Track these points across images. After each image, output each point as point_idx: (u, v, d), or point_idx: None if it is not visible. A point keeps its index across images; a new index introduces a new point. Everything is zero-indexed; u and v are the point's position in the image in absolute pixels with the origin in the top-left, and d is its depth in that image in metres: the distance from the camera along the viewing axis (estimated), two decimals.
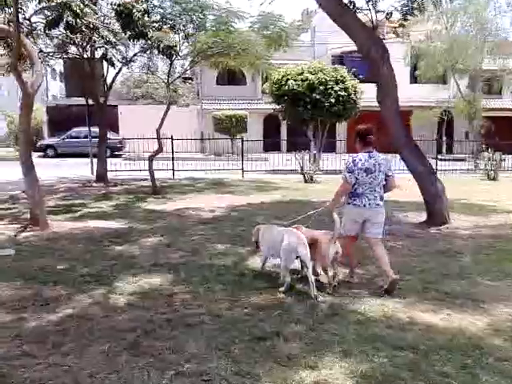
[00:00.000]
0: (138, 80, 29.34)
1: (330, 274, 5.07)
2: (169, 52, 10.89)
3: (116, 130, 28.11)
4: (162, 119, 12.21)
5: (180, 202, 11.02)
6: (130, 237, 7.42)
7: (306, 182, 14.89)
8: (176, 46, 10.87)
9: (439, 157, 23.32)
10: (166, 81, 12.70)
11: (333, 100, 17.43)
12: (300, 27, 13.54)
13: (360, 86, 18.40)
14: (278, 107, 19.05)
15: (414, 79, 30.93)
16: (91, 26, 9.94)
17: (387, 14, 7.84)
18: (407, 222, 8.82)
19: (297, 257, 4.97)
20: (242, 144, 17.17)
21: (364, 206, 5.04)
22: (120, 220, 8.73)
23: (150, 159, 12.46)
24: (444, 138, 27.73)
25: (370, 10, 7.84)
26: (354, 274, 5.46)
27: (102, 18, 10.53)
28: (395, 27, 8.16)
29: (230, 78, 32.44)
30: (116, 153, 24.95)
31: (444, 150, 27.88)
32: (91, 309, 4.45)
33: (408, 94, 29.79)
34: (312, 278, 4.80)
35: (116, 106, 29.24)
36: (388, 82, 7.99)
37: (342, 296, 4.84)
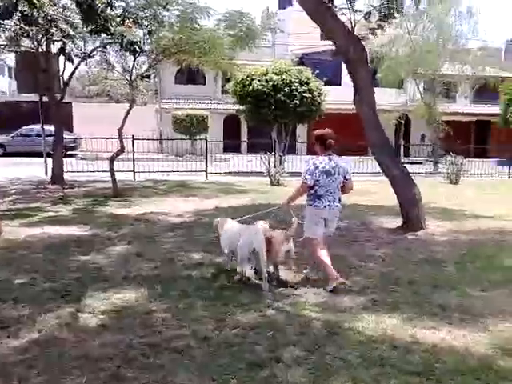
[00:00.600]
0: (95, 77, 28.22)
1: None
2: (132, 48, 10.29)
3: (69, 128, 26.91)
4: (125, 118, 11.59)
5: (144, 205, 10.45)
6: (95, 245, 6.85)
7: (272, 184, 14.59)
8: (140, 42, 10.28)
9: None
10: (127, 78, 12.06)
11: (297, 101, 17.22)
12: (267, 27, 13.20)
13: (325, 89, 18.32)
14: (241, 108, 18.65)
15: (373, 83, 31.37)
16: (49, 17, 9.23)
17: (366, 14, 7.64)
18: (382, 227, 8.64)
19: (253, 249, 5.06)
20: (206, 145, 16.69)
21: (324, 207, 5.20)
22: (81, 226, 8.11)
23: (111, 160, 11.81)
24: (401, 141, 28.18)
25: (348, 9, 7.60)
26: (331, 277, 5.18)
27: (61, 10, 9.80)
28: (373, 28, 7.94)
29: (190, 76, 31.82)
30: (70, 152, 23.84)
31: (402, 153, 28.41)
32: (59, 332, 3.93)
33: None
34: (264, 271, 5.04)
35: (70, 103, 27.99)
36: (366, 84, 7.79)
37: (333, 311, 4.53)
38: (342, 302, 4.77)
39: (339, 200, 5.30)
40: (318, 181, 5.11)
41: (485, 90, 27.68)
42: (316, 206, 5.20)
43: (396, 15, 7.92)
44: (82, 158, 20.93)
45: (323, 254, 5.26)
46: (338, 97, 27.32)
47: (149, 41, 11.82)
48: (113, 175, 11.71)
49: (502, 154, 23.33)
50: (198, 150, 24.28)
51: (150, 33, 11.45)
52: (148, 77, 37.00)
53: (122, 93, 28.64)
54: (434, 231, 8.27)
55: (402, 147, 28.30)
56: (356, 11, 7.71)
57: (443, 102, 23.95)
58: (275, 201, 10.78)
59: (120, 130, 11.65)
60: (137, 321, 4.19)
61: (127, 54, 11.50)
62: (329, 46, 34.78)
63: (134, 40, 10.23)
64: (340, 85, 31.11)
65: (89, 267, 5.74)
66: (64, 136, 17.57)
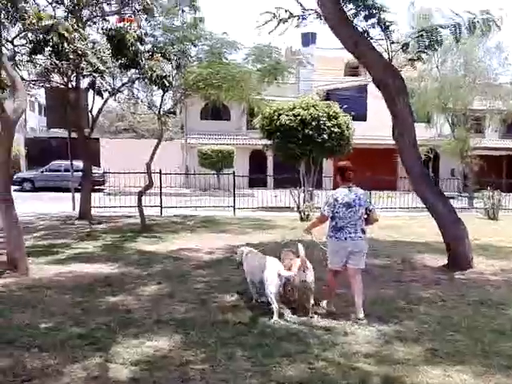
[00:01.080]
0: (122, 113, 28.68)
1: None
2: (161, 82, 10.21)
3: (97, 163, 27.13)
4: (153, 153, 11.44)
5: (173, 241, 10.12)
6: (124, 284, 6.49)
7: (301, 219, 14.14)
8: (169, 76, 10.19)
9: None
10: (156, 113, 11.96)
11: (326, 136, 16.93)
12: (294, 61, 13.11)
13: (353, 124, 18.05)
14: (268, 143, 18.45)
15: None
16: (79, 51, 9.22)
17: (404, 45, 7.34)
18: (425, 265, 8.10)
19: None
20: (234, 179, 16.42)
21: (345, 239, 5.18)
22: (110, 263, 7.79)
23: (140, 194, 11.60)
24: (431, 175, 27.53)
25: (385, 39, 7.32)
26: (329, 305, 5.47)
27: (91, 45, 9.80)
28: (412, 59, 7.64)
29: (215, 112, 32.04)
30: (97, 187, 23.93)
31: None
32: None
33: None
34: (273, 303, 5.06)
35: (97, 138, 28.37)
36: (405, 117, 7.42)
37: (390, 362, 4.03)
38: (398, 352, 4.27)
39: (362, 231, 5.23)
40: (337, 213, 5.17)
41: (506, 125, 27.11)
42: (337, 238, 5.21)
43: (436, 47, 7.59)
44: (108, 194, 20.90)
45: (332, 280, 5.47)
46: (364, 132, 27.15)
47: (177, 76, 11.81)
48: (141, 210, 11.48)
49: None
50: (224, 185, 24.14)
51: (178, 67, 11.43)
52: (174, 113, 37.63)
53: (148, 128, 29.03)
54: (483, 270, 7.70)
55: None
56: (393, 42, 7.42)
57: (473, 136, 23.40)
58: (306, 237, 10.38)
59: (149, 165, 11.47)
60: (172, 374, 3.77)
61: (155, 88, 11.42)
62: (352, 81, 34.93)
63: (163, 74, 10.14)
64: (365, 120, 30.98)
65: (118, 310, 5.37)
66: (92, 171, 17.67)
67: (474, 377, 3.79)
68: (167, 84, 10.35)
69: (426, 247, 9.78)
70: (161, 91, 11.30)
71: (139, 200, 11.48)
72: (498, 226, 13.48)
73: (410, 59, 7.65)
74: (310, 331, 4.75)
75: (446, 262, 7.88)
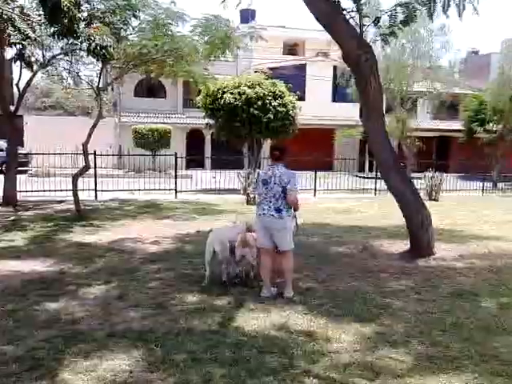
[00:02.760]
0: (47, 88, 26.37)
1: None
2: (101, 53, 9.11)
3: (20, 142, 24.99)
4: (90, 132, 10.35)
5: (113, 230, 9.21)
6: (64, 286, 5.62)
7: (248, 203, 13.57)
8: (110, 47, 9.11)
9: (364, 175, 23.49)
10: (94, 88, 10.81)
11: (271, 116, 16.39)
12: (246, 34, 12.34)
13: (298, 104, 17.63)
14: (211, 122, 17.65)
15: (335, 98, 31.13)
16: (4, 16, 7.96)
17: (375, 19, 6.84)
18: (387, 252, 7.80)
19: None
20: (176, 161, 15.48)
21: (259, 214, 5.35)
22: (44, 259, 6.81)
23: (75, 178, 10.50)
24: (366, 157, 27.91)
25: (357, 11, 6.76)
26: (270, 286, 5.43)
27: (19, 9, 8.53)
28: (385, 35, 7.18)
29: (150, 89, 30.61)
30: (20, 168, 22.00)
31: (367, 168, 28.13)
32: None
33: (331, 112, 30.01)
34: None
35: (21, 115, 26.09)
36: (376, 97, 6.96)
37: (386, 374, 3.57)
38: (392, 361, 3.81)
39: (277, 210, 5.23)
40: (259, 190, 5.46)
41: (444, 107, 27.89)
42: (257, 213, 5.42)
43: (411, 22, 7.14)
44: (32, 175, 19.31)
45: (265, 259, 5.42)
46: (303, 112, 26.92)
47: (117, 48, 10.69)
48: (76, 195, 10.41)
49: (463, 170, 23.41)
50: (160, 166, 23.04)
51: (119, 38, 10.33)
52: (104, 90, 35.54)
53: (79, 106, 27.14)
54: (445, 256, 7.50)
55: (367, 162, 28.14)
56: (365, 16, 6.89)
57: (411, 118, 23.80)
58: None
59: (85, 146, 10.37)
60: None
61: (93, 61, 10.29)
62: (292, 60, 34.54)
63: (104, 44, 9.05)
64: (304, 100, 30.79)
65: (61, 320, 4.53)
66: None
67: None
68: (108, 56, 9.26)
69: (382, 232, 9.55)
70: (98, 64, 10.18)
71: (74, 184, 10.38)
72: (442, 208, 13.61)
73: (382, 34, 7.18)
74: (290, 338, 4.21)
75: (409, 248, 7.63)
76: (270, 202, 5.25)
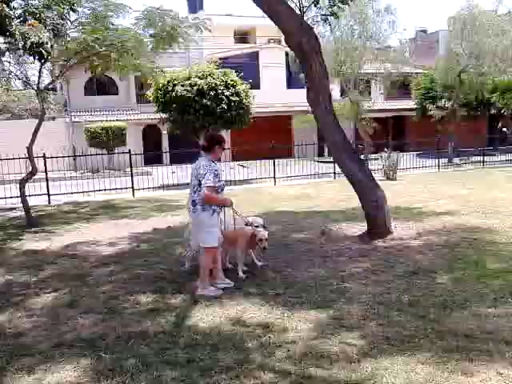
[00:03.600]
0: None
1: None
2: (38, 51, 8.69)
3: None
4: (34, 135, 9.90)
5: (67, 235, 8.87)
6: (10, 296, 5.34)
7: None
8: (47, 44, 8.70)
9: (323, 160, 23.64)
10: (34, 88, 10.32)
11: (225, 106, 16.16)
12: (192, 25, 12.00)
13: (252, 92, 17.45)
14: (163, 116, 17.27)
15: (290, 84, 31.11)
16: None
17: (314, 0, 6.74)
18: (346, 235, 7.79)
19: None
20: (130, 158, 15.09)
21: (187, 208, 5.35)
22: None
23: (22, 183, 10.04)
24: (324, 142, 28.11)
25: None
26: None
27: None
28: (325, 15, 7.11)
29: (100, 87, 29.79)
30: None
31: (326, 152, 28.33)
32: None
33: (287, 99, 29.98)
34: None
35: None
36: (321, 78, 6.89)
37: (345, 361, 3.51)
38: (350, 346, 3.76)
39: (192, 203, 5.12)
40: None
41: (397, 87, 28.32)
42: None
43: (351, 1, 7.08)
44: None
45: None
46: (259, 100, 26.76)
47: (56, 44, 10.25)
48: (25, 201, 9.96)
49: (419, 147, 23.88)
50: (117, 165, 22.51)
51: (56, 34, 9.88)
52: (54, 89, 34.36)
53: (26, 108, 26.11)
54: (402, 235, 7.57)
55: (325, 147, 28.32)
56: None
57: (364, 100, 24.01)
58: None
59: (30, 149, 9.93)
60: None
61: (30, 59, 9.82)
62: (244, 49, 34.23)
63: (40, 41, 8.62)
64: (259, 88, 30.61)
65: (4, 334, 4.29)
66: None
67: (439, 368, 3.38)
68: (45, 53, 8.83)
69: (340, 215, 9.58)
70: (37, 63, 9.72)
71: (22, 189, 9.94)
72: (399, 187, 13.82)
73: (322, 15, 7.09)
74: (246, 331, 4.11)
75: (366, 230, 7.65)
76: (190, 194, 5.20)
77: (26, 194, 10.59)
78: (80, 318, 4.59)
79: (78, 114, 27.50)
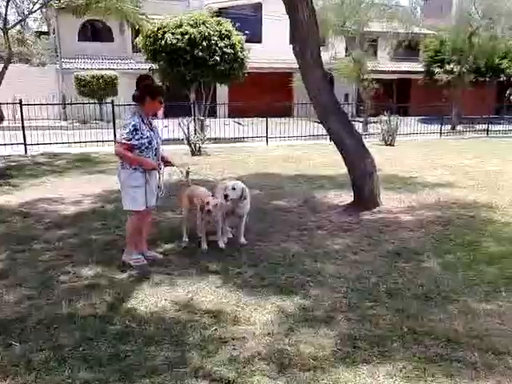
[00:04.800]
0: None
1: None
2: None
3: None
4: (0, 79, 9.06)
5: (31, 190, 8.20)
6: None
7: (193, 154, 12.67)
8: None
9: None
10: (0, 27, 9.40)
11: (218, 58, 15.13)
12: None
13: (248, 45, 16.37)
14: (153, 66, 16.26)
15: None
16: None
17: None
18: (330, 204, 7.13)
19: None
20: (113, 109, 14.23)
21: None
22: None
23: None
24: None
25: None
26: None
27: None
28: None
29: (95, 33, 28.48)
30: None
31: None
32: None
33: (290, 55, 28.65)
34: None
35: None
36: (309, 25, 6.03)
37: (300, 368, 2.90)
38: (308, 347, 3.14)
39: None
40: None
41: (405, 48, 27.00)
42: None
43: None
44: None
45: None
46: (259, 55, 25.51)
47: None
48: None
49: (424, 112, 22.95)
50: (107, 116, 21.60)
51: None
52: (46, 33, 32.92)
53: (14, 52, 24.91)
54: (391, 207, 6.90)
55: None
56: None
57: (369, 59, 22.81)
58: (199, 175, 8.97)
59: None
60: None
61: None
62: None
63: None
64: (261, 42, 29.24)
65: None
66: None
67: (410, 379, 2.77)
68: None
69: (330, 181, 8.88)
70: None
71: None
72: (397, 153, 13.05)
73: None
74: (191, 321, 3.48)
75: (352, 200, 6.97)
76: None
77: (2, 142, 9.87)
78: (5, 292, 3.97)
79: (70, 60, 26.27)
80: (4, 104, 12.60)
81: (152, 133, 4.56)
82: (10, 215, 6.44)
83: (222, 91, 26.91)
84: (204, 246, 5.05)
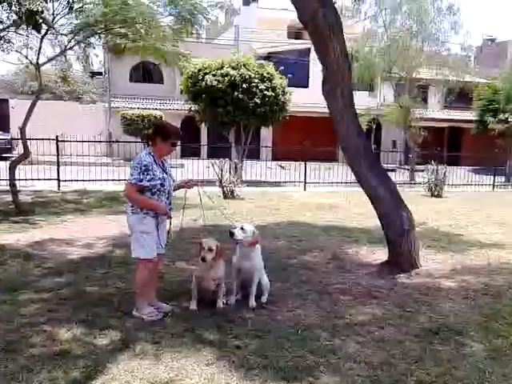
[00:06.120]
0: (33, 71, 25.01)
1: None
2: (33, 20, 7.71)
3: (5, 127, 23.87)
4: (28, 114, 8.97)
5: (47, 228, 7.87)
6: None
7: (225, 197, 12.16)
8: (42, 12, 7.69)
9: None
10: (32, 62, 9.38)
11: (258, 100, 14.84)
12: (217, 4, 10.99)
13: (290, 89, 16.05)
14: (193, 107, 16.17)
15: None
16: None
17: None
18: (361, 263, 6.33)
19: None
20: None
21: None
22: None
23: (12, 167, 9.13)
24: (374, 147, 26.38)
25: None
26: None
27: None
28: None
29: (146, 74, 29.33)
30: (4, 155, 20.86)
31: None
32: None
33: None
34: None
35: (6, 99, 24.90)
36: (340, 66, 5.46)
37: None
38: None
39: (128, 206, 4.19)
40: None
41: (457, 96, 26.06)
42: None
43: None
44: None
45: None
46: (306, 99, 25.24)
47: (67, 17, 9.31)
48: (13, 186, 9.06)
49: (476, 162, 21.72)
50: None
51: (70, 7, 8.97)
52: (100, 73, 34.19)
53: (66, 90, 25.81)
54: (432, 270, 6.04)
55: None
56: None
57: (417, 106, 22.05)
58: (223, 221, 8.36)
59: (23, 130, 9.01)
60: None
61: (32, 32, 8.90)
62: (296, 45, 32.84)
63: (35, 9, 7.63)
64: (307, 87, 29.08)
65: None
66: None
67: None
68: (40, 22, 7.86)
69: (365, 235, 8.06)
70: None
71: (11, 173, 9.03)
72: (444, 205, 12.05)
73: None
74: None
75: (387, 259, 6.16)
76: None
77: (40, 177, 9.70)
78: None
79: (119, 100, 26.98)
80: (40, 140, 12.73)
81: (165, 174, 4.15)
82: (12, 257, 6.02)
83: (267, 134, 26.77)
84: (193, 305, 4.42)
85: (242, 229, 4.56)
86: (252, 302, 4.58)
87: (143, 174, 3.99)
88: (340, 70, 5.45)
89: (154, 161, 4.10)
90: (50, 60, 9.92)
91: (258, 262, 4.71)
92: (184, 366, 3.36)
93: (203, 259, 4.30)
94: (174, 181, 4.40)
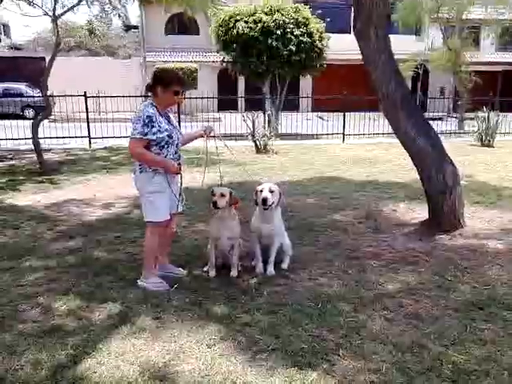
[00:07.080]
0: (71, 28, 24.73)
1: None
2: None
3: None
4: (48, 69, 8.63)
5: (69, 188, 7.65)
6: None
7: (258, 151, 11.62)
8: None
9: None
10: (48, 14, 8.95)
11: (293, 48, 13.93)
12: None
13: (328, 35, 14.99)
14: (226, 57, 15.43)
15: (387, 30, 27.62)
16: None
17: None
18: (398, 222, 5.73)
19: None
20: (179, 105, 13.56)
21: None
22: None
23: (35, 125, 8.90)
24: (419, 95, 24.90)
25: None
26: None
27: None
28: None
29: (182, 26, 28.50)
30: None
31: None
32: None
33: None
34: None
35: (43, 58, 24.82)
36: (375, 3, 4.68)
37: None
38: None
39: (134, 165, 3.81)
40: None
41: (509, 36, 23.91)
42: None
43: None
44: (52, 121, 18.03)
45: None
46: (348, 46, 23.83)
47: None
48: (37, 145, 8.86)
49: None
50: (185, 109, 21.24)
51: None
52: (135, 28, 33.59)
53: (100, 45, 25.48)
54: (478, 230, 5.38)
55: (418, 101, 24.99)
56: None
57: (468, 49, 20.34)
58: (255, 176, 7.89)
59: (44, 84, 8.70)
60: None
61: None
62: None
63: None
64: (350, 33, 27.49)
65: None
66: (33, 95, 15.84)
67: None
68: None
69: (404, 190, 7.39)
70: None
71: (34, 132, 8.81)
72: (495, 156, 11.06)
73: None
74: None
75: (427, 217, 5.54)
76: None
77: (68, 134, 9.49)
78: None
79: (155, 53, 26.45)
80: (69, 96, 12.48)
81: (171, 126, 3.76)
82: (28, 219, 5.80)
83: (306, 84, 25.65)
84: (212, 272, 4.03)
85: (271, 192, 4.03)
86: (270, 269, 4.14)
87: (147, 126, 3.58)
88: (374, 7, 4.68)
89: (158, 112, 3.68)
90: (67, 11, 9.45)
91: (279, 224, 4.23)
92: (182, 348, 2.97)
93: (215, 204, 3.87)
94: (181, 133, 3.97)
